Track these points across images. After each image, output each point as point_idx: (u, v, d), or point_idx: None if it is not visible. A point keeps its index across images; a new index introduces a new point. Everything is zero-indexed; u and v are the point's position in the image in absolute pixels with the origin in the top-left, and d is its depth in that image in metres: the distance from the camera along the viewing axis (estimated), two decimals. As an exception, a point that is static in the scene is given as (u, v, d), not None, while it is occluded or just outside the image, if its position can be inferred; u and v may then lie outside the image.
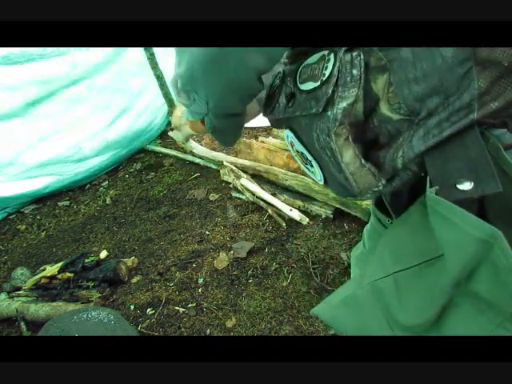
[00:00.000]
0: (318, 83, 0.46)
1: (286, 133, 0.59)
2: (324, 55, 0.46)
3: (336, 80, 0.44)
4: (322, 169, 0.55)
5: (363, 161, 0.47)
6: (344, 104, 0.44)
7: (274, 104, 0.56)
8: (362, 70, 0.43)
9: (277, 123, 0.61)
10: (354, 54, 0.43)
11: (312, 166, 0.57)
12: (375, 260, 0.64)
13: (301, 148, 0.56)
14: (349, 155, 0.47)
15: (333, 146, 0.47)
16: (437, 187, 0.43)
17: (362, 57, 0.43)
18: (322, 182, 0.58)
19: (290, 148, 0.62)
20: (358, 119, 0.46)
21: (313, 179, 0.62)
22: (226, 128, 0.63)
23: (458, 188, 0.41)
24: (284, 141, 0.69)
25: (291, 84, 0.53)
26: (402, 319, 0.54)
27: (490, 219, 0.46)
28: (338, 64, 0.43)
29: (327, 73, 0.44)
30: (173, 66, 0.53)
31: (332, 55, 0.44)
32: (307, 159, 0.57)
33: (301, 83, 0.50)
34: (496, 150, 0.42)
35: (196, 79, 0.49)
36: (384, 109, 0.45)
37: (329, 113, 0.46)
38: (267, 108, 0.60)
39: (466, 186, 0.41)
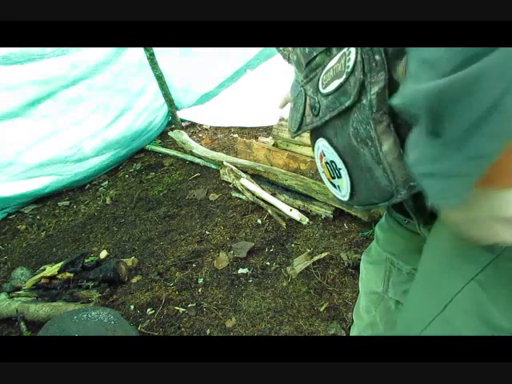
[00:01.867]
0: (344, 76, 0.45)
1: (317, 144, 0.58)
2: (344, 53, 0.46)
3: (362, 67, 0.43)
4: (350, 177, 0.53)
5: (402, 151, 0.45)
6: (376, 88, 0.44)
7: (302, 119, 0.56)
8: (383, 55, 0.43)
9: (310, 136, 0.61)
10: None
11: (340, 176, 0.55)
12: (434, 278, 0.57)
13: (332, 156, 0.55)
14: (388, 144, 0.45)
15: (372, 133, 0.45)
16: None
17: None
18: (346, 198, 0.56)
19: (318, 163, 0.61)
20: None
21: (337, 198, 0.59)
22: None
23: None
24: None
25: (314, 95, 0.53)
26: (503, 322, 0.48)
27: None
28: (359, 51, 0.43)
29: (351, 64, 0.44)
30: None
31: (353, 48, 0.44)
32: (336, 168, 0.55)
33: (324, 88, 0.50)
34: None
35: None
36: None
37: (364, 101, 0.45)
38: (295, 126, 0.60)
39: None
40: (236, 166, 2.59)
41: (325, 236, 2.08)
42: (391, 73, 0.44)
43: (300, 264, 1.88)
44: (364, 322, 0.76)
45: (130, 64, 2.98)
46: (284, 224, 2.18)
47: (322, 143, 0.57)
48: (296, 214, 2.16)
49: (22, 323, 1.82)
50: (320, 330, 1.60)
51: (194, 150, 2.96)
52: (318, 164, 0.61)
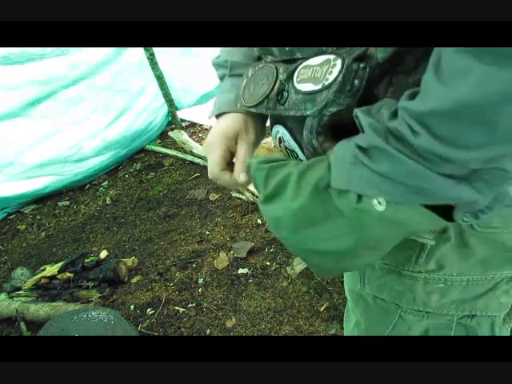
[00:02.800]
0: (319, 87, 0.45)
1: (277, 128, 0.58)
2: (329, 59, 0.46)
3: (337, 88, 0.44)
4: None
5: None
6: (334, 109, 0.45)
7: (263, 100, 0.54)
8: (364, 82, 0.43)
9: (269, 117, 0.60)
10: (362, 65, 0.42)
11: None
12: None
13: (293, 145, 0.56)
14: (330, 151, 0.48)
15: (314, 143, 0.49)
16: None
17: (367, 70, 0.43)
18: None
19: (276, 143, 0.61)
20: (340, 122, 0.47)
21: None
22: None
23: None
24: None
25: (285, 82, 0.51)
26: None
27: None
28: (344, 71, 0.43)
29: (331, 78, 0.44)
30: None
31: (339, 61, 0.44)
32: (297, 157, 0.57)
33: (298, 83, 0.49)
34: None
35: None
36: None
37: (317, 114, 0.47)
38: (251, 102, 0.57)
39: None
40: (236, 166, 2.59)
41: (325, 236, 2.08)
42: (371, 91, 0.45)
43: (300, 264, 1.87)
44: (352, 322, 0.77)
45: (130, 64, 2.98)
46: (284, 224, 2.18)
47: (281, 129, 0.57)
48: (296, 214, 2.16)
49: (22, 323, 1.82)
50: (320, 330, 1.60)
51: (194, 150, 2.96)
52: (277, 144, 0.61)
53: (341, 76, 0.43)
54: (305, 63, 0.49)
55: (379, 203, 0.41)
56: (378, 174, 0.39)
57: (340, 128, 0.48)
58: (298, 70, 0.50)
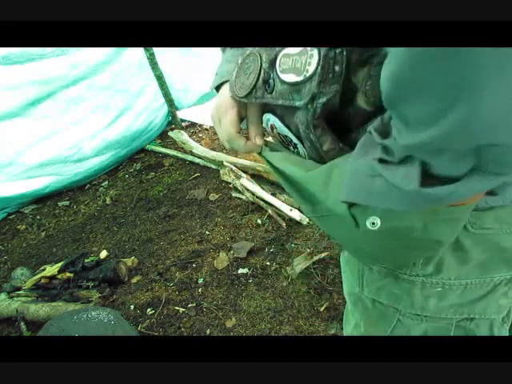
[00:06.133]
0: (301, 78, 0.46)
1: (268, 116, 0.58)
2: (306, 50, 0.46)
3: (319, 79, 0.44)
4: (307, 151, 0.55)
5: (341, 145, 0.49)
6: (324, 99, 0.45)
7: (252, 89, 0.54)
8: (344, 66, 0.44)
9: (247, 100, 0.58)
10: (338, 51, 0.43)
11: (296, 147, 0.57)
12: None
13: (285, 131, 0.56)
14: (328, 143, 0.49)
15: (312, 137, 0.49)
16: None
17: (344, 53, 0.43)
18: (307, 158, 0.58)
19: (268, 129, 0.61)
20: (334, 109, 0.47)
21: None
22: None
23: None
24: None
25: (269, 70, 0.51)
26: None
27: None
28: (321, 63, 0.43)
29: (311, 70, 0.44)
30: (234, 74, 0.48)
31: (315, 51, 0.44)
32: (291, 142, 0.57)
33: (281, 72, 0.49)
34: None
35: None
36: (361, 101, 0.46)
37: (309, 106, 0.47)
38: (242, 92, 0.56)
39: None
40: (236, 166, 2.59)
41: (325, 236, 2.08)
42: (350, 78, 0.45)
43: (300, 264, 1.88)
44: (351, 325, 0.76)
45: (130, 64, 2.98)
46: (284, 224, 2.18)
47: (272, 117, 0.57)
48: (296, 214, 2.16)
49: (22, 323, 1.82)
50: (320, 330, 1.60)
51: (194, 150, 2.96)
52: (269, 130, 0.61)
53: (319, 67, 0.44)
54: (284, 51, 0.49)
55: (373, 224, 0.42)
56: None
57: (334, 118, 0.49)
58: (279, 58, 0.50)
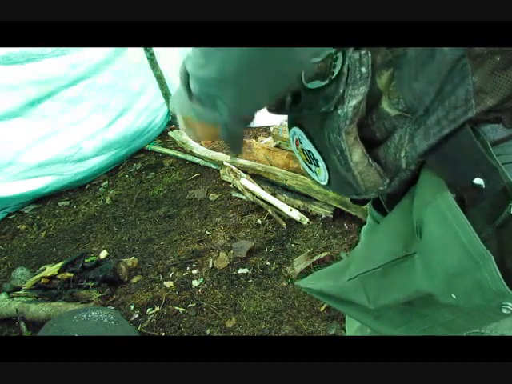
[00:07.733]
0: (327, 81, 0.46)
1: (294, 130, 0.59)
2: (331, 53, 0.46)
3: (346, 78, 0.44)
4: (328, 168, 0.55)
5: (371, 159, 0.48)
6: (354, 102, 0.45)
7: (280, 102, 0.55)
8: (370, 67, 0.44)
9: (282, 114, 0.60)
10: (363, 52, 0.43)
11: (318, 165, 0.57)
12: (364, 252, 0.64)
13: (309, 146, 0.56)
14: (358, 154, 0.48)
15: (343, 145, 0.48)
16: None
17: (369, 55, 0.43)
18: (324, 183, 0.58)
19: (293, 146, 0.61)
20: (361, 116, 0.47)
21: (313, 179, 0.62)
22: (240, 134, 0.56)
23: (474, 185, 0.42)
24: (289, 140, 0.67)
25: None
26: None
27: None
28: (347, 62, 0.43)
29: (336, 71, 0.45)
30: (178, 72, 0.49)
31: (340, 53, 0.44)
32: (313, 158, 0.57)
33: (307, 82, 0.49)
34: (485, 146, 0.43)
35: (226, 81, 0.44)
36: (384, 104, 0.46)
37: (339, 111, 0.46)
38: (273, 106, 0.57)
39: (481, 182, 0.41)
40: (236, 166, 2.59)
41: (325, 236, 2.08)
42: (375, 80, 0.45)
43: (300, 264, 1.87)
44: (355, 326, 0.76)
45: (130, 64, 2.98)
46: (284, 224, 2.18)
47: (298, 131, 0.57)
48: (296, 214, 2.16)
49: (22, 323, 1.82)
50: (320, 330, 1.60)
51: (194, 150, 2.96)
52: (294, 147, 0.61)
53: (345, 68, 0.43)
54: None
55: None
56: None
57: (360, 127, 0.48)
58: None
